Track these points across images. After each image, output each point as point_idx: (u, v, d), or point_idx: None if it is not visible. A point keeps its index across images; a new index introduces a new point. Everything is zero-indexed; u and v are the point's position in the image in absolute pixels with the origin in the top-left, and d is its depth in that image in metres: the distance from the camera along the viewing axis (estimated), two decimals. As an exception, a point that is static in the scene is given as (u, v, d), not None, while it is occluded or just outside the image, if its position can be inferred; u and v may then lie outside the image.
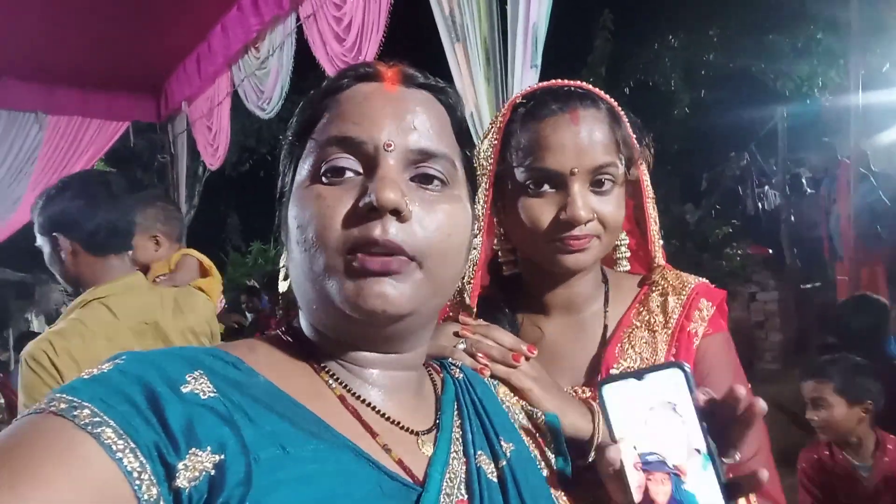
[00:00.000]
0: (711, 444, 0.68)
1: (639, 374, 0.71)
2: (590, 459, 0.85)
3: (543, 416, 0.84)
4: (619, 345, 1.02)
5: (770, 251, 7.57)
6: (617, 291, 1.08)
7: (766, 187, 8.64)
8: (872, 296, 3.16)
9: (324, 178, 0.64)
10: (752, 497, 0.92)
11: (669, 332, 1.00)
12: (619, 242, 1.07)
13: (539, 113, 0.96)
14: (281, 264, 0.71)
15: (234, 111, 5.77)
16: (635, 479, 0.68)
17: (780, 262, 7.56)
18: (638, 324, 1.03)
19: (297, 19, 4.56)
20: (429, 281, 0.63)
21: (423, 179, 0.65)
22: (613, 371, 0.99)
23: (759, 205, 8.53)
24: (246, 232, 15.15)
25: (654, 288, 1.07)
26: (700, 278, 1.07)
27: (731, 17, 9.21)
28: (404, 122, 0.64)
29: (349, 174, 0.63)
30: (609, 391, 0.71)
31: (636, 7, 9.29)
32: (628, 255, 1.08)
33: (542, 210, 0.95)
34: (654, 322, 1.02)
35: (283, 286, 0.72)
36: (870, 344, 2.77)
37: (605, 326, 1.05)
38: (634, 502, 0.67)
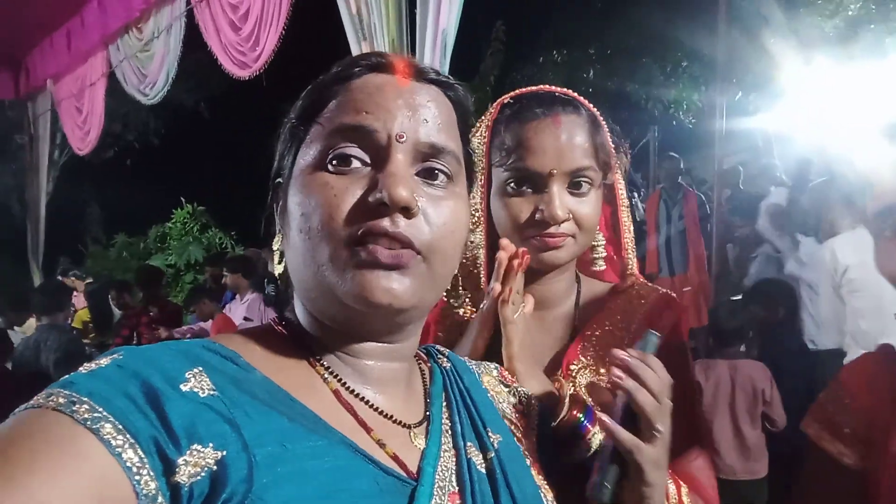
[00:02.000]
0: None
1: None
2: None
3: (536, 405, 0.86)
4: (581, 344, 1.06)
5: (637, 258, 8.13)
6: (588, 295, 1.13)
7: (637, 200, 9.26)
8: (737, 301, 3.54)
9: (330, 166, 0.63)
10: (684, 491, 0.96)
11: (630, 338, 1.05)
12: (595, 243, 1.11)
13: (523, 116, 1.01)
14: (275, 247, 0.70)
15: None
16: None
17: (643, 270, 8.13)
18: (607, 326, 1.08)
19: (188, 2, 4.31)
20: (431, 275, 0.64)
21: (429, 175, 0.65)
22: (572, 368, 1.04)
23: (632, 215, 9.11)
24: (108, 223, 14.10)
25: (622, 297, 1.12)
26: (667, 291, 1.13)
27: (609, 38, 9.84)
28: (416, 115, 0.65)
29: (356, 164, 0.63)
30: None
31: (526, 21, 9.66)
32: (605, 255, 1.13)
33: (520, 208, 1.01)
34: (618, 328, 1.07)
35: (277, 269, 0.71)
36: (738, 343, 3.14)
37: (575, 328, 1.09)
38: None
